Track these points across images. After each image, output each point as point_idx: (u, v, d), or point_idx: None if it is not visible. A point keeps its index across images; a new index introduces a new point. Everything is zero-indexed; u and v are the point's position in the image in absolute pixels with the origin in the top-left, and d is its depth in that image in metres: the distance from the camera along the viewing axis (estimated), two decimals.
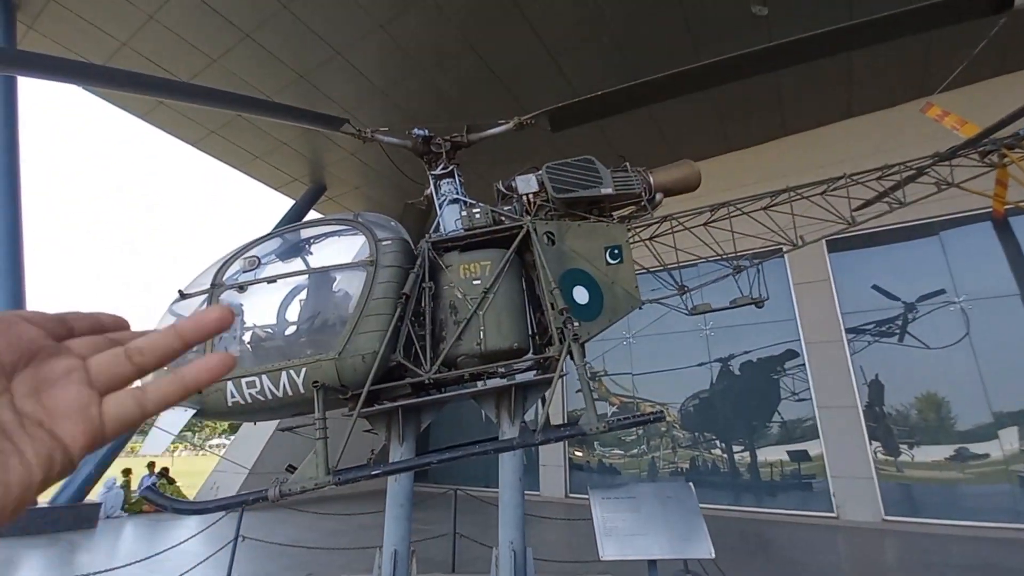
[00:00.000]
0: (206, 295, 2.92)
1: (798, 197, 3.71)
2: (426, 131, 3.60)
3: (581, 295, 3.26)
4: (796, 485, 7.98)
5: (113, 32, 6.57)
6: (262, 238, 3.16)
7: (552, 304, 3.03)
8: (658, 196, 3.56)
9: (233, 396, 2.73)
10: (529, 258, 3.44)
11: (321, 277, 3.01)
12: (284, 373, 2.78)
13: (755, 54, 3.07)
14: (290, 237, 3.25)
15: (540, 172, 3.45)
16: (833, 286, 7.79)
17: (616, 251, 3.38)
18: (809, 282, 7.85)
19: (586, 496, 3.90)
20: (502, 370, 3.28)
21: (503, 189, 3.60)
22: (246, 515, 4.88)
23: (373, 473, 2.70)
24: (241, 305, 3.02)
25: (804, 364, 7.98)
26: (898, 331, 7.69)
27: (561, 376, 2.77)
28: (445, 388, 3.43)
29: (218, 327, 0.36)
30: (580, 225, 3.34)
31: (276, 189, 10.33)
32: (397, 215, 4.04)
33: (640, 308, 3.47)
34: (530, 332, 3.44)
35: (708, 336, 9.21)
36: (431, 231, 3.45)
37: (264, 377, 2.80)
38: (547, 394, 3.03)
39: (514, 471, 3.11)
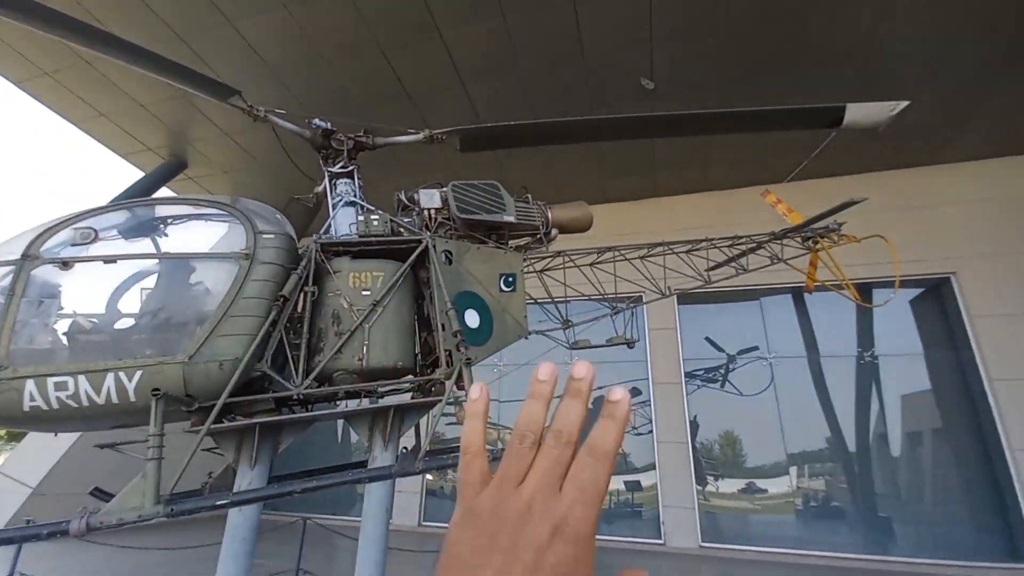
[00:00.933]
0: (12, 268, 2.30)
1: (669, 252, 4.20)
2: (328, 123, 3.36)
3: (472, 319, 3.23)
4: (630, 514, 8.68)
5: None
6: (104, 207, 2.61)
7: (444, 325, 2.95)
8: (554, 231, 3.73)
9: (33, 399, 2.15)
10: (423, 275, 3.34)
11: (177, 264, 2.56)
12: (111, 375, 2.28)
13: (640, 119, 3.45)
14: (142, 212, 2.73)
15: (445, 189, 3.40)
16: (679, 334, 8.83)
17: (511, 279, 3.44)
18: (662, 328, 8.80)
19: (444, 524, 3.78)
20: (381, 390, 3.08)
21: (404, 200, 3.48)
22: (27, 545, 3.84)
23: (218, 504, 2.29)
24: (60, 286, 2.44)
25: (650, 402, 8.84)
26: (721, 378, 8.97)
27: (450, 400, 2.69)
28: (313, 405, 3.12)
29: None
30: (479, 248, 3.35)
31: (123, 156, 8.73)
32: (276, 208, 3.66)
33: (526, 338, 3.54)
34: (415, 352, 3.31)
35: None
36: (321, 232, 3.17)
37: (82, 378, 2.27)
38: (431, 416, 2.90)
39: (381, 500, 2.90)
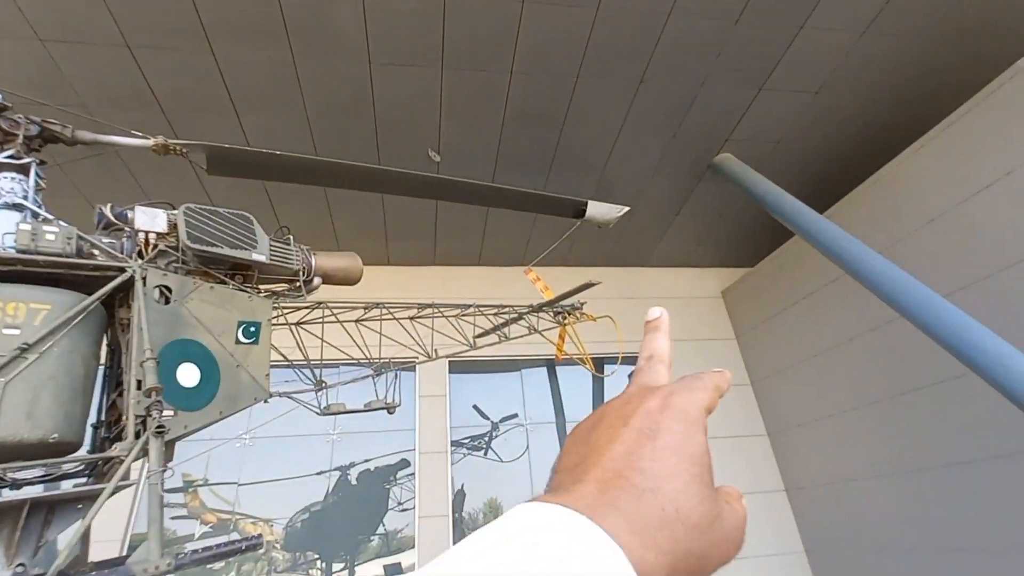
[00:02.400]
0: None
1: (439, 314, 4.20)
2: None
3: (189, 375, 2.56)
4: None
5: None
6: None
7: (140, 381, 2.24)
8: (316, 280, 3.35)
9: None
10: (124, 315, 2.55)
11: None
12: None
13: (414, 177, 3.49)
14: None
15: (175, 212, 2.75)
16: (448, 401, 8.90)
17: (253, 329, 2.89)
18: (432, 395, 8.74)
19: None
20: (16, 476, 2.13)
21: (110, 215, 2.69)
22: None
23: None
24: None
25: (415, 474, 8.49)
26: (484, 446, 9.27)
27: (122, 487, 1.96)
28: None
29: None
30: (214, 288, 2.74)
31: None
32: None
33: (266, 401, 2.98)
34: (94, 420, 2.43)
35: (335, 441, 8.82)
36: None
37: None
38: (91, 513, 2.09)
39: None
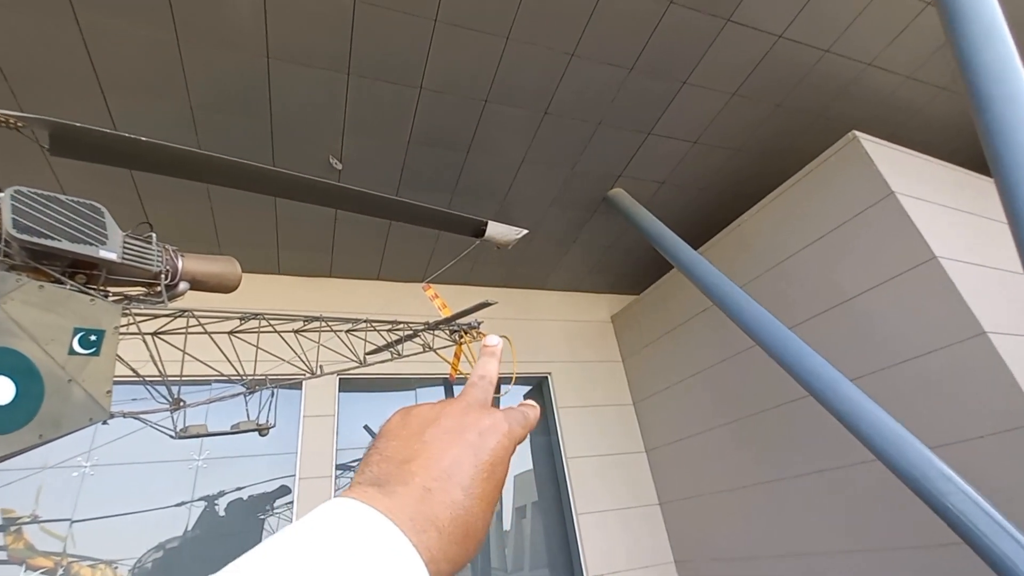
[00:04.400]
0: None
1: (327, 328, 3.96)
2: None
3: (3, 390, 2.15)
4: None
5: None
6: None
7: None
8: (182, 285, 3.00)
9: None
10: None
11: None
12: None
13: (320, 185, 3.33)
14: None
15: (0, 194, 2.34)
16: (336, 422, 8.39)
17: (93, 338, 2.51)
18: (318, 416, 8.18)
19: None
20: None
21: None
22: None
23: None
24: None
25: (293, 502, 7.83)
26: None
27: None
28: None
29: None
30: (43, 287, 2.35)
31: None
32: None
33: (106, 423, 2.58)
34: None
35: (200, 468, 7.86)
36: None
37: None
38: None
39: None
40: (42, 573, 6.89)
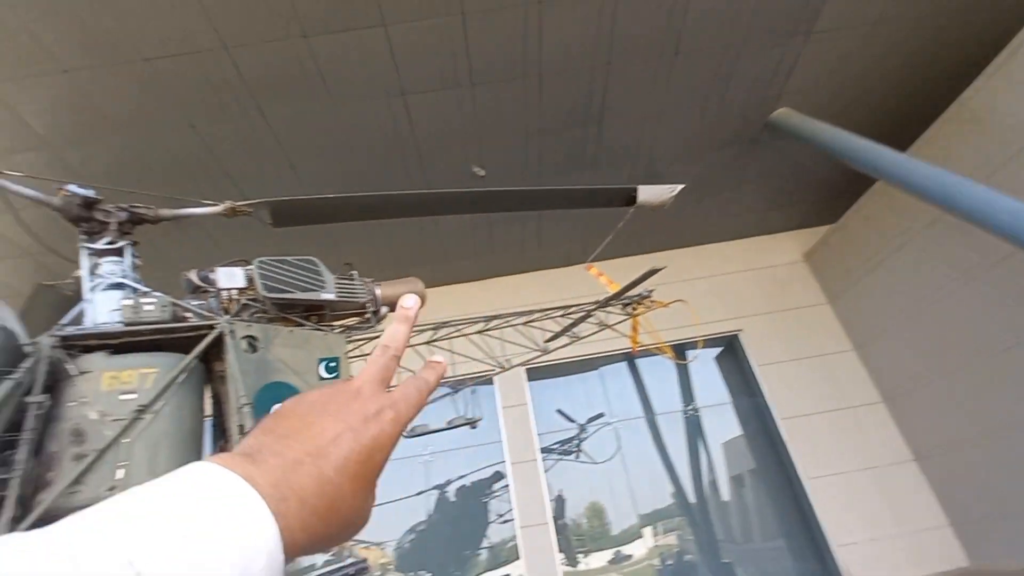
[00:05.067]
0: None
1: (506, 324, 4.22)
2: (92, 191, 2.75)
3: None
4: None
5: None
6: None
7: (241, 426, 2.41)
8: (383, 310, 3.47)
9: None
10: (219, 368, 2.77)
11: None
12: None
13: (460, 194, 3.54)
14: None
15: (250, 267, 2.97)
16: (531, 410, 8.89)
17: (333, 364, 3.04)
18: (513, 406, 8.77)
19: None
20: None
21: (196, 280, 2.94)
22: None
23: None
24: None
25: (509, 485, 8.54)
26: (575, 449, 9.14)
27: None
28: None
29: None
30: (293, 331, 2.92)
31: None
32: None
33: None
34: None
35: (428, 462, 9.09)
36: (65, 322, 2.46)
37: None
38: None
39: None
40: (331, 555, 8.81)
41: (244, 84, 5.62)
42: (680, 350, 8.39)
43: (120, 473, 2.11)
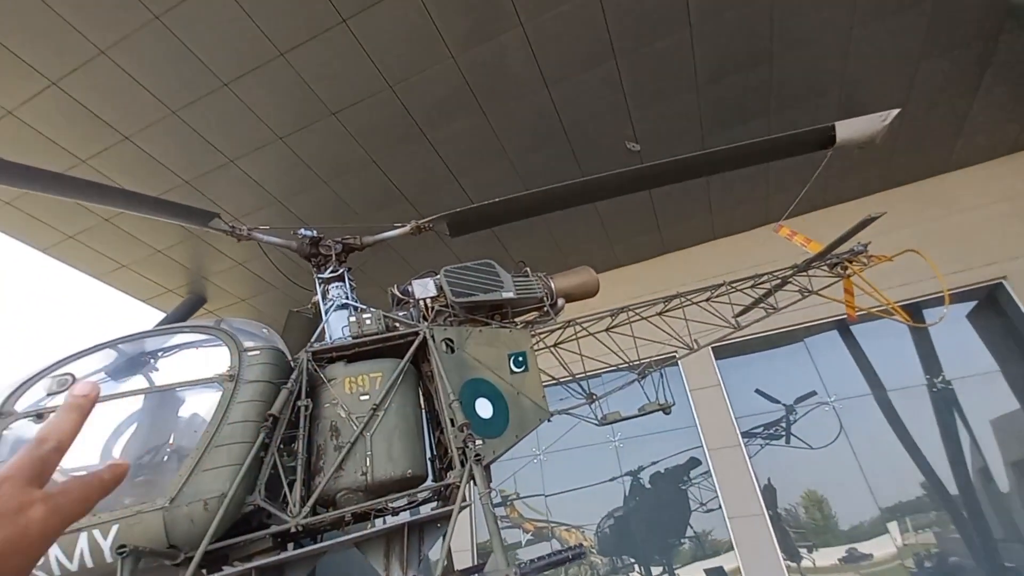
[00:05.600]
0: None
1: (688, 303, 3.91)
2: (314, 232, 3.34)
3: (484, 408, 2.93)
4: None
5: None
6: (85, 350, 2.51)
7: (452, 420, 2.66)
8: (560, 301, 3.52)
9: None
10: (427, 368, 3.11)
11: (158, 398, 2.39)
12: (83, 535, 2.02)
13: (631, 173, 3.35)
14: (125, 348, 2.62)
15: (438, 276, 3.27)
16: (724, 391, 8.18)
17: (521, 358, 3.18)
18: (703, 388, 8.19)
19: None
20: (394, 505, 2.73)
21: (398, 294, 3.36)
22: None
23: None
24: None
25: (710, 472, 8.00)
26: (783, 433, 8.11)
27: (463, 507, 2.33)
28: (321, 535, 2.76)
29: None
30: (482, 331, 3.13)
31: (143, 301, 9.10)
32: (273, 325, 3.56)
33: (549, 420, 3.20)
34: (429, 455, 2.98)
35: (618, 448, 9.04)
36: (313, 339, 3.02)
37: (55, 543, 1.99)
38: (448, 531, 2.52)
39: None
40: (532, 535, 9.30)
41: (410, 115, 6.28)
42: (913, 310, 6.82)
43: (368, 461, 2.51)
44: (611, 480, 9.01)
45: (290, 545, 2.57)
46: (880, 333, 7.55)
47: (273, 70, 5.63)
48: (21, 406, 2.22)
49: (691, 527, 8.24)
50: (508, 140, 6.72)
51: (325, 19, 5.20)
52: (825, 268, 4.32)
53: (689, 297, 3.96)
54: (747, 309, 4.35)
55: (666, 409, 3.42)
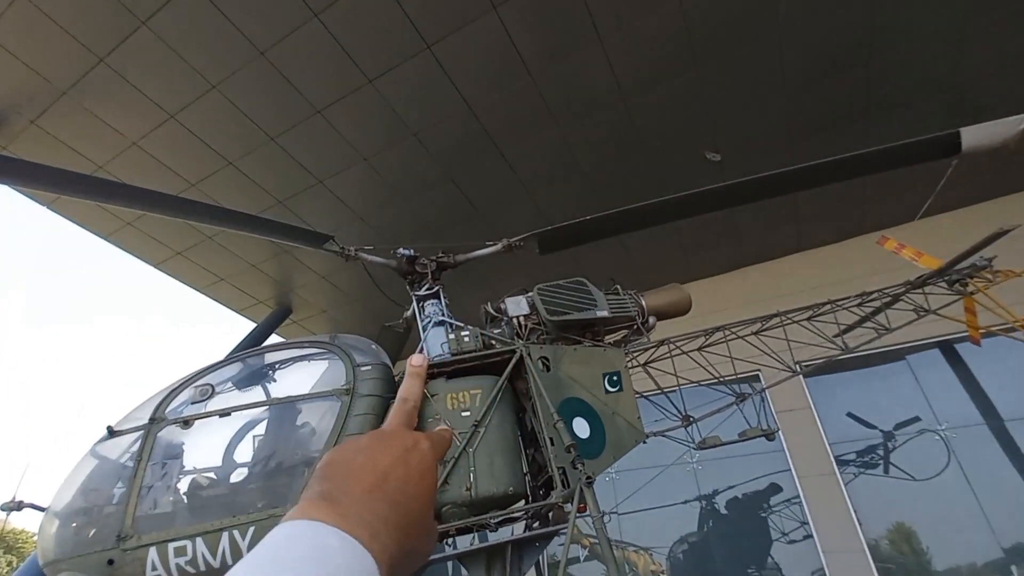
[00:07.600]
0: (140, 433, 2.40)
1: (788, 321, 3.69)
2: (411, 251, 3.48)
3: (582, 428, 2.91)
4: None
5: (91, 155, 6.58)
6: (220, 362, 2.74)
7: (553, 439, 2.66)
8: (652, 320, 3.44)
9: (154, 568, 2.09)
10: (521, 386, 3.12)
11: (285, 409, 2.56)
12: (225, 535, 2.19)
13: (724, 189, 3.24)
14: (253, 362, 2.84)
15: (531, 294, 3.30)
16: (816, 414, 7.65)
17: (615, 378, 3.13)
18: (791, 410, 7.69)
19: None
20: (493, 522, 2.75)
21: (491, 311, 3.41)
22: None
23: None
24: (181, 445, 2.50)
25: (800, 499, 7.46)
26: (881, 461, 7.43)
27: (565, 529, 2.31)
28: None
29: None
30: (576, 350, 3.12)
31: (239, 312, 9.87)
32: (371, 338, 3.72)
33: (644, 442, 3.12)
34: (527, 473, 3.00)
35: (696, 470, 8.65)
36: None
37: (199, 540, 2.19)
38: (565, 549, 2.51)
39: None
40: (588, 551, 8.94)
41: (486, 133, 6.44)
42: None
43: (472, 476, 2.56)
44: (685, 503, 8.61)
45: None
46: (991, 354, 6.77)
47: (361, 96, 5.98)
48: (172, 413, 2.46)
49: (771, 557, 7.70)
50: (584, 155, 6.72)
51: (412, 46, 5.46)
52: (943, 284, 3.94)
53: (790, 316, 3.73)
54: (852, 328, 4.05)
55: (770, 435, 3.23)
